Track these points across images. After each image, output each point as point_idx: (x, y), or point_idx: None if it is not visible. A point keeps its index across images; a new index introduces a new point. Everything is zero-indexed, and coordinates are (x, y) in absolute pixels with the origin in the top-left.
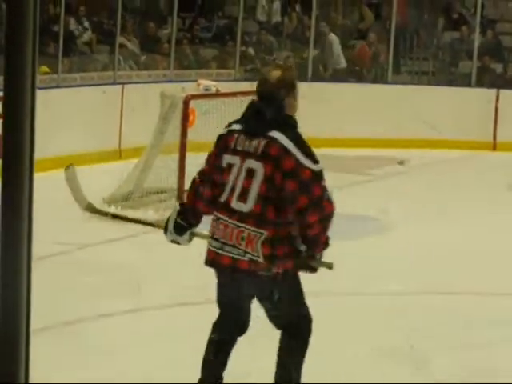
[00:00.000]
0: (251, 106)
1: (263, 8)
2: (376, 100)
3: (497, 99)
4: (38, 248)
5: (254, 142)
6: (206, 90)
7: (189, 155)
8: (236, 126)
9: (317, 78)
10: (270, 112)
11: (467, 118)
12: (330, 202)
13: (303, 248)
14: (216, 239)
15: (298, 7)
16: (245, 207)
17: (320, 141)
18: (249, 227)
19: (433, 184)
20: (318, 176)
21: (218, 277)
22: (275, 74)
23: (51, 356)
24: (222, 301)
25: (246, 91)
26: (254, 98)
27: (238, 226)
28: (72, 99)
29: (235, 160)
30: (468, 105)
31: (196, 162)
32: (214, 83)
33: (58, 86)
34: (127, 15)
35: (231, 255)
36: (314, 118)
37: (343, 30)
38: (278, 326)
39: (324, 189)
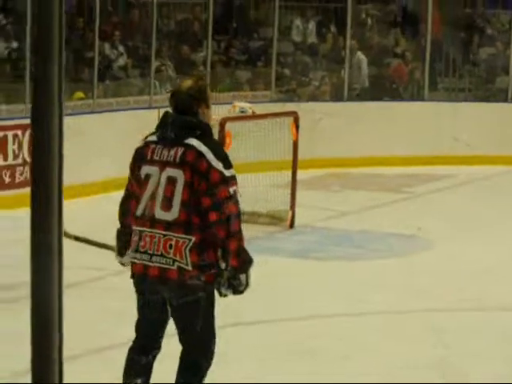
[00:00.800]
0: (165, 116)
1: (298, 29)
2: (413, 117)
3: None
4: (74, 273)
5: (172, 151)
6: (242, 112)
7: None
8: (152, 138)
9: (352, 97)
10: (184, 121)
11: (506, 133)
12: (234, 204)
13: (223, 265)
14: (142, 252)
15: (332, 27)
16: (169, 215)
17: (358, 160)
18: (176, 234)
19: (473, 200)
20: (227, 180)
21: (142, 292)
22: (187, 84)
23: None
24: (142, 321)
25: (281, 112)
26: (285, 118)
27: (165, 235)
28: (107, 124)
29: (153, 170)
30: (506, 120)
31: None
32: (249, 105)
33: (93, 112)
34: (162, 39)
35: (159, 265)
36: (351, 137)
37: (379, 48)
38: (184, 343)
39: (231, 193)
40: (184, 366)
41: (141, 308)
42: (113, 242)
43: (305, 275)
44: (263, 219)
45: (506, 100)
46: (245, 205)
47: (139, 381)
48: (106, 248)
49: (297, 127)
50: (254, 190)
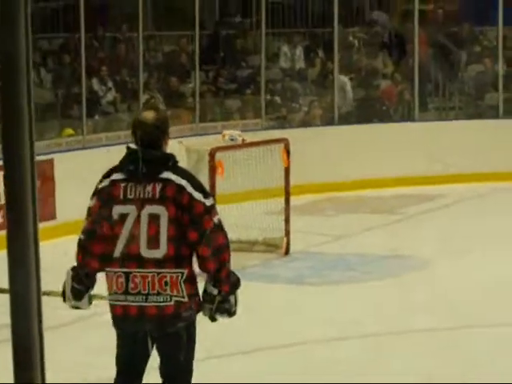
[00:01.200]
0: (132, 152)
1: (286, 55)
2: (404, 138)
3: None
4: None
5: (149, 187)
6: (232, 140)
7: (219, 207)
8: (118, 176)
9: (342, 120)
10: (153, 155)
11: (498, 150)
12: (222, 234)
13: (215, 291)
14: (134, 293)
15: (320, 52)
16: (158, 253)
17: (350, 183)
18: (169, 270)
19: (467, 219)
20: (210, 210)
21: (127, 330)
22: (150, 116)
23: None
24: (128, 360)
25: (271, 139)
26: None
27: (159, 273)
28: (98, 159)
29: (129, 209)
30: (498, 136)
31: (230, 213)
32: (238, 133)
33: (83, 148)
34: (150, 72)
35: (157, 304)
36: (342, 160)
37: (367, 71)
38: (167, 375)
39: (216, 222)
40: None
41: (125, 345)
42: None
43: (301, 301)
44: (258, 247)
45: (497, 116)
46: (240, 233)
47: None
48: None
49: (288, 153)
50: (248, 218)
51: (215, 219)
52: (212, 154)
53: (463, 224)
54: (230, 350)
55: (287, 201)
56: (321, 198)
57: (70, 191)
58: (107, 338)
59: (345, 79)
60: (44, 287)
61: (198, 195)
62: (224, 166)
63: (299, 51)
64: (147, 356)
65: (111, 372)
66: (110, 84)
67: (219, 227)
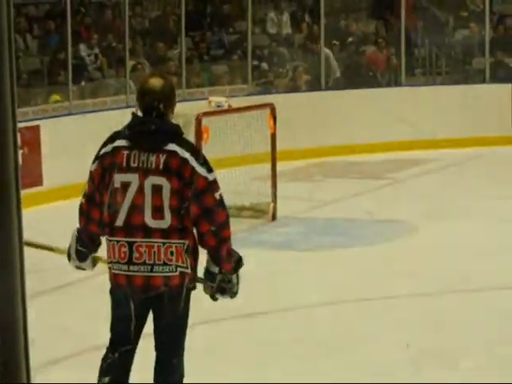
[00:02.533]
0: (137, 120)
1: (273, 21)
2: (392, 104)
3: None
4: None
5: (153, 158)
6: (219, 106)
7: None
8: (121, 143)
9: (329, 86)
10: (160, 125)
11: (484, 115)
12: (223, 211)
13: (216, 270)
14: (139, 263)
15: (307, 17)
16: (163, 223)
17: (338, 148)
18: (174, 241)
19: (456, 183)
20: (212, 185)
21: (127, 298)
22: (157, 84)
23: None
24: (125, 327)
25: (257, 105)
26: (262, 111)
27: (164, 243)
28: (85, 125)
29: (131, 178)
30: (484, 101)
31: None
32: (225, 99)
33: (70, 114)
34: (136, 38)
35: (163, 275)
36: (330, 126)
37: (353, 36)
38: (160, 344)
39: (217, 198)
40: (160, 368)
41: (122, 312)
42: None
43: (290, 266)
44: (246, 213)
45: (483, 81)
46: (227, 199)
47: (107, 380)
48: (46, 249)
49: (274, 119)
50: (235, 184)
51: (217, 195)
52: (198, 120)
53: (451, 189)
54: (220, 315)
55: (274, 166)
56: (308, 163)
57: (56, 157)
58: (100, 304)
59: (327, 51)
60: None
61: (201, 169)
62: (210, 131)
63: (286, 17)
64: (144, 324)
65: (104, 339)
66: (97, 50)
67: (221, 203)
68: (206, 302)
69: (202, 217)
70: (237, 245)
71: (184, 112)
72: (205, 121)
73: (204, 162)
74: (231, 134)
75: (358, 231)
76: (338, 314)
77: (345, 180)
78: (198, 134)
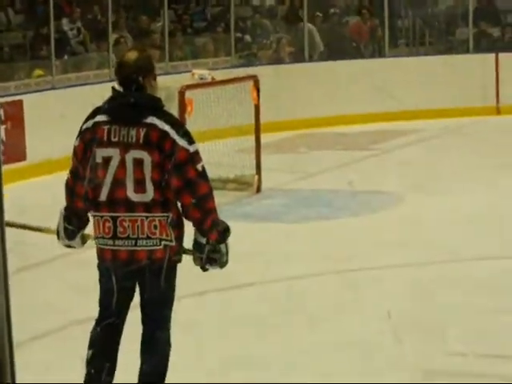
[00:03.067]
0: (116, 94)
1: None
2: (375, 75)
3: (496, 63)
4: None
5: (133, 132)
6: (202, 78)
7: None
8: (102, 117)
9: (312, 58)
10: (138, 98)
11: (468, 85)
12: (205, 182)
13: (204, 241)
14: (123, 238)
15: None
16: (146, 197)
17: (323, 120)
18: (157, 214)
19: (442, 153)
20: (193, 157)
21: (115, 276)
22: (132, 57)
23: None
24: (112, 301)
25: (240, 77)
26: (246, 83)
27: (147, 217)
28: (68, 100)
29: (112, 152)
30: (468, 71)
31: (201, 152)
32: (208, 71)
33: (53, 88)
34: (119, 11)
35: (147, 248)
36: (314, 97)
37: (338, 7)
38: (145, 318)
39: (199, 170)
40: (145, 341)
41: (110, 287)
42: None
43: (275, 238)
44: (230, 185)
45: (467, 51)
46: (211, 172)
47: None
48: (35, 230)
49: (257, 91)
50: (219, 157)
51: (199, 166)
52: (182, 92)
53: (437, 159)
54: (205, 287)
55: (258, 138)
56: (293, 135)
57: (39, 132)
58: (87, 278)
59: (311, 26)
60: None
61: (181, 141)
62: (194, 104)
63: None
64: (131, 297)
65: (88, 313)
66: (79, 24)
67: (203, 175)
68: (191, 275)
69: (184, 189)
70: (222, 217)
71: (167, 85)
72: (188, 93)
73: (185, 134)
74: (215, 106)
75: (343, 202)
76: (323, 286)
77: (329, 151)
78: (182, 106)
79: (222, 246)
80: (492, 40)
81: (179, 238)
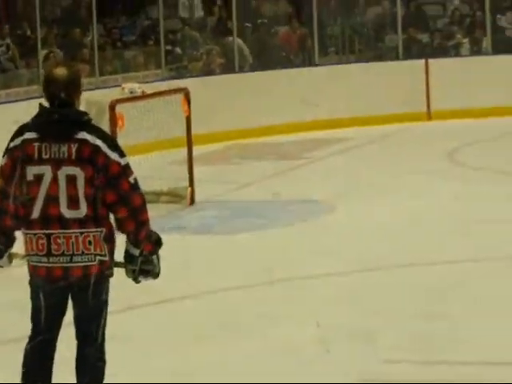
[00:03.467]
0: (43, 111)
1: (184, 4)
2: (306, 83)
3: (426, 69)
4: None
5: (64, 148)
6: (132, 92)
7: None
8: (31, 135)
9: (243, 68)
10: (66, 114)
11: (399, 91)
12: (139, 194)
13: (136, 253)
14: (58, 255)
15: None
16: (79, 213)
17: (254, 130)
18: (92, 230)
19: (372, 161)
20: (126, 170)
21: (48, 292)
22: (60, 73)
23: None
24: (45, 317)
25: (171, 89)
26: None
27: (82, 233)
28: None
29: (44, 169)
30: (398, 78)
31: (134, 166)
32: (137, 85)
33: None
34: (48, 27)
35: (83, 264)
36: (246, 108)
37: (268, 17)
38: (78, 333)
39: (132, 182)
40: (79, 357)
41: (43, 303)
42: None
43: (208, 250)
44: (163, 198)
45: (397, 58)
46: (144, 185)
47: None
48: None
49: (188, 103)
50: (152, 170)
51: (131, 179)
52: (112, 107)
53: (367, 167)
54: (140, 301)
55: (190, 150)
56: (225, 146)
57: None
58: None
59: (240, 41)
60: None
61: (113, 155)
62: (125, 118)
63: (197, 0)
64: (63, 314)
65: (24, 330)
66: (8, 40)
67: (136, 187)
68: (123, 289)
69: (118, 202)
70: (156, 230)
71: (97, 100)
72: (119, 107)
73: (116, 148)
74: (146, 119)
75: (276, 212)
76: (257, 296)
77: (262, 162)
78: (113, 121)
79: (154, 257)
80: (421, 46)
81: (111, 252)
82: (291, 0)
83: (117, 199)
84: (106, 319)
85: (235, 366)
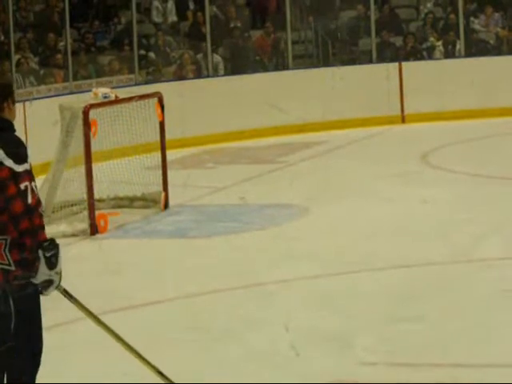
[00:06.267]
0: None
1: (158, 9)
2: (280, 87)
3: (400, 72)
4: None
5: None
6: (105, 97)
7: (96, 165)
8: None
9: (216, 73)
10: None
11: (373, 95)
12: (22, 202)
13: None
14: None
15: (191, 4)
16: None
17: (228, 134)
18: None
19: (346, 164)
20: (16, 176)
21: None
22: None
23: None
24: None
25: (145, 94)
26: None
27: None
28: None
29: None
30: (372, 81)
31: (104, 171)
32: (110, 90)
33: None
34: (21, 32)
35: None
36: (219, 112)
37: (242, 20)
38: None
39: (21, 189)
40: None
41: None
42: None
43: (182, 255)
44: (137, 203)
45: (371, 61)
46: (118, 190)
47: None
48: None
49: (162, 107)
50: (126, 175)
51: (22, 186)
52: (86, 112)
53: (342, 170)
54: (112, 306)
55: (163, 155)
56: (199, 150)
57: None
58: None
59: (218, 58)
60: None
61: (7, 161)
62: (98, 123)
63: (171, 4)
64: None
65: None
66: None
67: (21, 195)
68: (93, 295)
69: (2, 207)
70: (129, 235)
71: (71, 105)
72: (93, 113)
73: (14, 154)
74: (120, 124)
75: (250, 216)
76: (232, 299)
77: (236, 166)
78: (86, 126)
79: (42, 267)
80: (395, 49)
81: (20, 262)
82: (263, 4)
83: (3, 204)
84: (29, 333)
85: (209, 370)
